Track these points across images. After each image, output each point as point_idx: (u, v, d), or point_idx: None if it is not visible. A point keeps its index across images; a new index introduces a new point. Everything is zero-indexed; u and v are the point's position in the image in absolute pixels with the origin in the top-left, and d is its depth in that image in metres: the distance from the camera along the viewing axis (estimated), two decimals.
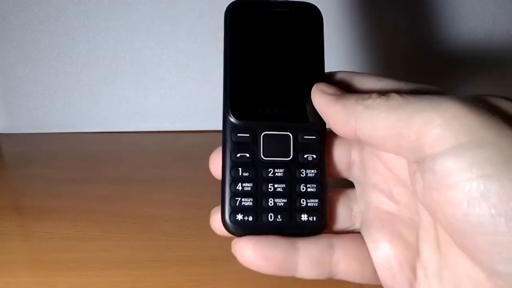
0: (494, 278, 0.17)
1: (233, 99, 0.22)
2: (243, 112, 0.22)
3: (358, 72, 0.23)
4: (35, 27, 0.53)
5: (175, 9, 0.52)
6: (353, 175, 0.24)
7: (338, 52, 0.53)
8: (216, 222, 0.23)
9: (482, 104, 0.17)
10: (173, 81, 0.55)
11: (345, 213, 0.24)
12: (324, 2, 0.25)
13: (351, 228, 0.24)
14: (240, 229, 0.21)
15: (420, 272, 0.21)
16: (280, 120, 0.22)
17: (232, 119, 0.22)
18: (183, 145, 0.54)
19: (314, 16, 0.23)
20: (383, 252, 0.21)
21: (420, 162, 0.18)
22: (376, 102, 0.19)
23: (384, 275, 0.21)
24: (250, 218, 0.21)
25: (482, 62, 0.53)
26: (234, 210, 0.21)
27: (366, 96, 0.20)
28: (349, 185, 0.24)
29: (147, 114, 0.56)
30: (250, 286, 0.31)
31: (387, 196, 0.22)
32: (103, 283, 0.31)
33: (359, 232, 0.23)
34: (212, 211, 0.23)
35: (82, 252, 0.34)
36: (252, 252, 0.21)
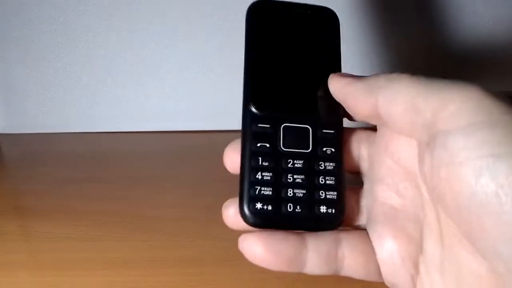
0: (495, 263, 0.17)
1: (255, 90, 0.23)
2: (265, 103, 0.22)
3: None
4: (35, 27, 0.53)
5: (175, 9, 0.52)
6: (361, 170, 0.24)
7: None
8: (229, 216, 0.22)
9: (500, 94, 0.18)
10: (173, 81, 0.55)
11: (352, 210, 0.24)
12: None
13: (356, 224, 0.24)
14: (259, 219, 0.21)
15: (422, 268, 0.21)
16: (300, 113, 0.23)
17: (254, 110, 0.22)
18: (183, 145, 0.54)
19: (331, 19, 0.24)
20: (387, 247, 0.21)
21: (431, 140, 0.18)
22: (399, 76, 0.20)
23: (386, 271, 0.21)
24: (270, 207, 0.21)
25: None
26: (254, 199, 0.21)
27: (388, 72, 0.20)
28: (359, 182, 0.24)
29: (147, 114, 0.56)
30: (250, 286, 0.31)
31: (393, 190, 0.22)
32: (103, 283, 0.31)
33: (364, 229, 0.23)
34: (225, 204, 0.23)
35: (82, 252, 0.34)
36: (262, 248, 0.21)
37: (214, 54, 0.53)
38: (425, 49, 0.53)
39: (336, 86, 0.22)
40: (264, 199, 0.21)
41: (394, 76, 0.20)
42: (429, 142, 0.19)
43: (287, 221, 0.21)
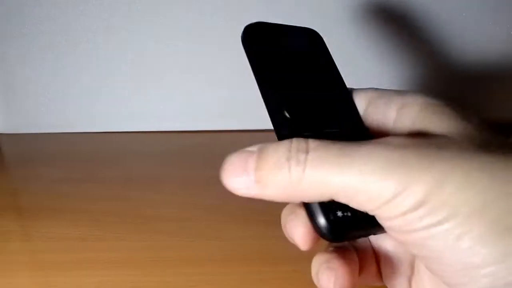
0: None
1: (285, 100, 0.22)
2: (299, 111, 0.22)
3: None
4: (35, 27, 0.53)
5: (175, 9, 0.52)
6: None
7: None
8: (302, 237, 0.20)
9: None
10: (173, 81, 0.55)
11: None
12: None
13: None
14: (340, 228, 0.19)
15: (416, 268, 0.21)
16: (330, 119, 0.23)
17: (290, 117, 0.21)
18: (183, 145, 0.54)
19: (318, 37, 0.25)
20: (386, 252, 0.22)
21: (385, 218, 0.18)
22: (293, 171, 0.18)
23: (385, 274, 0.22)
24: (349, 213, 0.19)
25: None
26: (329, 209, 0.19)
27: (285, 169, 0.18)
28: None
29: (147, 114, 0.56)
30: (250, 286, 0.31)
31: None
32: (102, 283, 0.31)
33: None
34: (288, 226, 0.20)
35: (82, 252, 0.34)
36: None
37: (214, 54, 0.53)
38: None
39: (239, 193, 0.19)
40: (340, 205, 0.19)
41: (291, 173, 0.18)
42: None
43: (364, 223, 0.20)
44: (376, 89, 0.23)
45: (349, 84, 0.24)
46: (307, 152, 0.18)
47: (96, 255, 0.34)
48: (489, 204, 0.16)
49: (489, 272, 0.16)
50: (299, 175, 0.17)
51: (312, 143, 0.18)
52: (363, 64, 0.53)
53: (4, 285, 0.31)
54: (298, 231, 0.20)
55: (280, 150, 0.18)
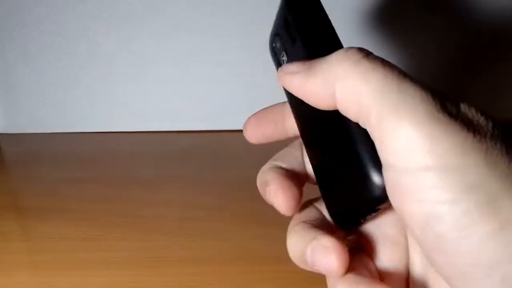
0: None
1: None
2: None
3: None
4: (35, 27, 0.53)
5: (175, 9, 0.52)
6: None
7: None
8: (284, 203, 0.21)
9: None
10: (173, 81, 0.55)
11: None
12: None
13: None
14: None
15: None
16: None
17: None
18: (183, 145, 0.54)
19: None
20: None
21: (389, 164, 0.18)
22: (359, 63, 0.17)
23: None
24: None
25: None
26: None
27: (347, 53, 0.18)
28: None
29: (147, 114, 0.56)
30: (250, 286, 0.31)
31: None
32: (103, 283, 0.31)
33: None
34: (268, 193, 0.22)
35: (82, 252, 0.34)
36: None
37: (214, 54, 0.53)
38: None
39: (292, 87, 0.20)
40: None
41: (348, 65, 0.17)
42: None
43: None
44: None
45: None
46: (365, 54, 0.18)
47: (96, 255, 0.34)
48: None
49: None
50: (356, 60, 0.17)
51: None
52: None
53: (4, 285, 0.31)
54: (279, 197, 0.21)
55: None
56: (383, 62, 0.17)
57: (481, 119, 0.17)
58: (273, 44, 0.24)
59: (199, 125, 0.56)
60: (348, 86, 0.17)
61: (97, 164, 0.50)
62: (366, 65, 0.17)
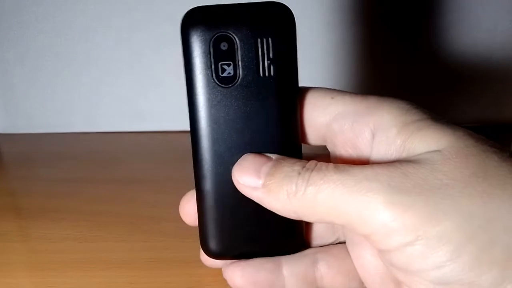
0: None
1: None
2: None
3: (314, 88, 0.21)
4: (34, 26, 0.53)
5: (174, 9, 0.52)
6: None
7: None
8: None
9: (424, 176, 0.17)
10: (173, 81, 0.55)
11: (326, 229, 0.23)
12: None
13: (337, 241, 0.24)
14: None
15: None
16: None
17: None
18: (183, 145, 0.54)
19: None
20: (366, 266, 0.21)
21: (376, 248, 0.18)
22: (305, 195, 0.18)
23: (370, 286, 0.22)
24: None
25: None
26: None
27: (292, 185, 0.18)
28: None
29: (147, 114, 0.56)
30: None
31: None
32: (102, 283, 0.31)
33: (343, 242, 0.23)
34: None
35: (81, 253, 0.34)
36: (241, 278, 0.22)
37: None
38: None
39: (247, 194, 0.20)
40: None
41: (300, 195, 0.18)
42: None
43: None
44: (335, 95, 0.21)
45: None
46: (321, 172, 0.18)
47: (96, 255, 0.34)
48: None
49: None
50: (304, 193, 0.18)
51: (331, 166, 0.18)
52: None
53: (3, 286, 0.31)
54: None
55: (296, 165, 0.19)
56: (320, 174, 0.18)
57: (446, 172, 0.16)
58: (212, 37, 0.20)
59: None
60: (308, 214, 0.18)
61: (96, 164, 0.50)
62: (310, 190, 0.18)
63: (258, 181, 0.19)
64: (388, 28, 0.52)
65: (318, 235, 0.23)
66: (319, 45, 0.50)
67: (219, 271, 0.32)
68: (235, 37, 0.20)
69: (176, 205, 0.41)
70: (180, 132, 0.56)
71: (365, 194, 0.17)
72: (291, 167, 0.19)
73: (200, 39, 0.20)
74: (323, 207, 0.18)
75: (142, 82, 0.55)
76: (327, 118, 0.21)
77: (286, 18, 0.20)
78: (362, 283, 0.22)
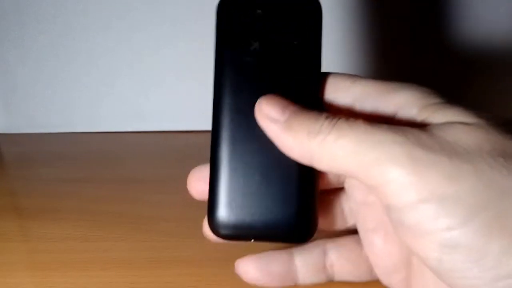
0: None
1: None
2: None
3: (335, 73, 0.22)
4: (34, 26, 0.53)
5: (175, 9, 0.52)
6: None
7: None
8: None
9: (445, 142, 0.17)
10: (173, 81, 0.55)
11: (341, 215, 0.24)
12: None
13: (346, 227, 0.24)
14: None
15: (415, 266, 0.21)
16: None
17: None
18: (183, 145, 0.54)
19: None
20: (379, 253, 0.21)
21: (385, 207, 0.18)
22: (328, 137, 0.18)
23: (381, 274, 0.22)
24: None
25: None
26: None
27: (317, 126, 0.18)
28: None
29: (147, 114, 0.56)
30: (250, 286, 0.31)
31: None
32: (102, 283, 0.31)
33: (354, 230, 0.23)
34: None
35: (82, 253, 0.34)
36: (255, 270, 0.22)
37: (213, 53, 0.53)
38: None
39: (266, 129, 0.20)
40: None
41: (321, 138, 0.18)
42: (384, 205, 0.18)
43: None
44: (355, 79, 0.21)
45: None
46: (349, 121, 0.18)
47: (96, 255, 0.34)
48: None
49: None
50: (328, 134, 0.18)
51: (360, 119, 0.18)
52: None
53: (3, 286, 0.31)
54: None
55: (325, 113, 0.19)
56: (348, 122, 0.18)
57: (468, 141, 0.17)
58: (246, 15, 0.21)
59: (198, 125, 0.56)
60: (324, 157, 0.18)
61: (96, 164, 0.50)
62: (334, 133, 0.18)
63: (282, 115, 0.19)
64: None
65: (331, 221, 0.23)
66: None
67: (219, 271, 0.32)
68: (266, 15, 0.21)
69: (176, 205, 0.41)
70: (180, 132, 0.56)
71: (389, 145, 0.17)
72: (319, 113, 0.19)
73: (234, 15, 0.22)
74: (343, 151, 0.17)
75: (142, 82, 0.55)
76: (349, 100, 0.21)
77: (313, 5, 0.21)
78: (371, 271, 0.22)
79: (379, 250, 0.21)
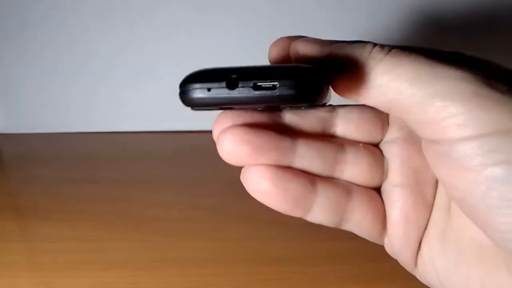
0: (502, 251, 0.17)
1: None
2: None
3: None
4: (34, 26, 0.53)
5: (175, 8, 0.52)
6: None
7: None
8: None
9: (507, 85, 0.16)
10: (173, 81, 0.54)
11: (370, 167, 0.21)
12: None
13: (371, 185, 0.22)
14: None
15: (426, 235, 0.21)
16: None
17: None
18: (183, 145, 0.54)
19: None
20: (398, 211, 0.21)
21: (429, 143, 0.18)
22: (390, 53, 0.17)
23: (393, 235, 0.21)
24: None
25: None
26: None
27: (371, 46, 0.17)
28: None
29: (147, 114, 0.56)
30: (250, 286, 0.31)
31: (416, 149, 0.21)
32: (102, 283, 0.31)
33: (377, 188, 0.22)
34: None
35: (82, 253, 0.34)
36: (269, 182, 0.19)
37: (214, 53, 0.53)
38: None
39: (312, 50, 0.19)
40: None
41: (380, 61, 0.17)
42: (433, 139, 0.17)
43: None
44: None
45: None
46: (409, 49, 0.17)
47: (96, 255, 0.34)
48: None
49: None
50: (387, 54, 0.17)
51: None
52: None
53: (3, 286, 0.31)
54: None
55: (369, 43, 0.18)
56: (404, 51, 0.17)
57: None
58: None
59: (198, 125, 0.56)
60: (380, 86, 0.17)
61: (96, 164, 0.50)
62: (393, 54, 0.17)
63: (326, 46, 0.19)
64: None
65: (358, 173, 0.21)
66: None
67: (219, 270, 0.32)
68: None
69: (176, 205, 0.41)
70: (180, 132, 0.56)
71: (455, 80, 0.16)
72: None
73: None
74: (398, 82, 0.16)
75: (141, 81, 0.55)
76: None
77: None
78: (385, 229, 0.21)
79: (401, 206, 0.20)
